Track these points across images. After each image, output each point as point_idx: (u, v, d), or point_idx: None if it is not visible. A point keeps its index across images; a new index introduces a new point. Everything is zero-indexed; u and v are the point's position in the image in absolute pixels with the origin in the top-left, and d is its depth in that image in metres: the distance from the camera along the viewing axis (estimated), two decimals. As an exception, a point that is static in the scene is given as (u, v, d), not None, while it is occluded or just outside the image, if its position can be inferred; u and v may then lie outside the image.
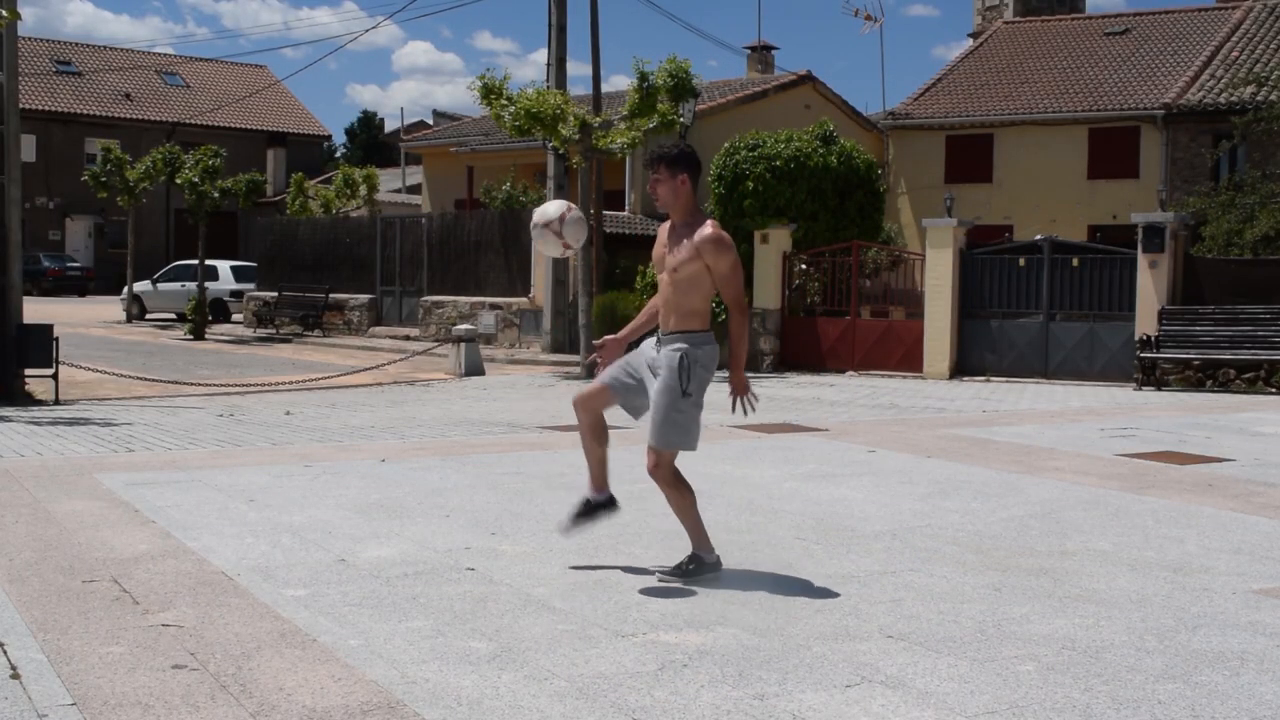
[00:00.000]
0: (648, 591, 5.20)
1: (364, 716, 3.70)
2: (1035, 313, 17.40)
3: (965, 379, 17.37)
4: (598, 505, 5.59)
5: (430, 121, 51.91)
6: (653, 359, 5.33)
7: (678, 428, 5.22)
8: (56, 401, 13.26)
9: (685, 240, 5.27)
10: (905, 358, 18.04)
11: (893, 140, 29.94)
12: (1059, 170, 28.02)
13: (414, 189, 43.45)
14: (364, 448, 9.73)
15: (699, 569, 5.37)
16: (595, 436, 5.51)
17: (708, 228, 5.24)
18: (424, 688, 3.96)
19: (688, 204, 5.34)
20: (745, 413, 5.41)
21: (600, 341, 5.62)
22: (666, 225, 5.45)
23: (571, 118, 17.74)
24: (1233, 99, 25.60)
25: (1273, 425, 11.78)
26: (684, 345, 5.24)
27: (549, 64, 20.92)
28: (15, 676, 4.02)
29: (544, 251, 5.72)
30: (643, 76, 17.71)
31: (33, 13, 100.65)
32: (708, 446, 9.73)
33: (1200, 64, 28.22)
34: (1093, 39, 31.74)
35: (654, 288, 19.58)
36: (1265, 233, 18.63)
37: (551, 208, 5.56)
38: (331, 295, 26.90)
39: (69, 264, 44.91)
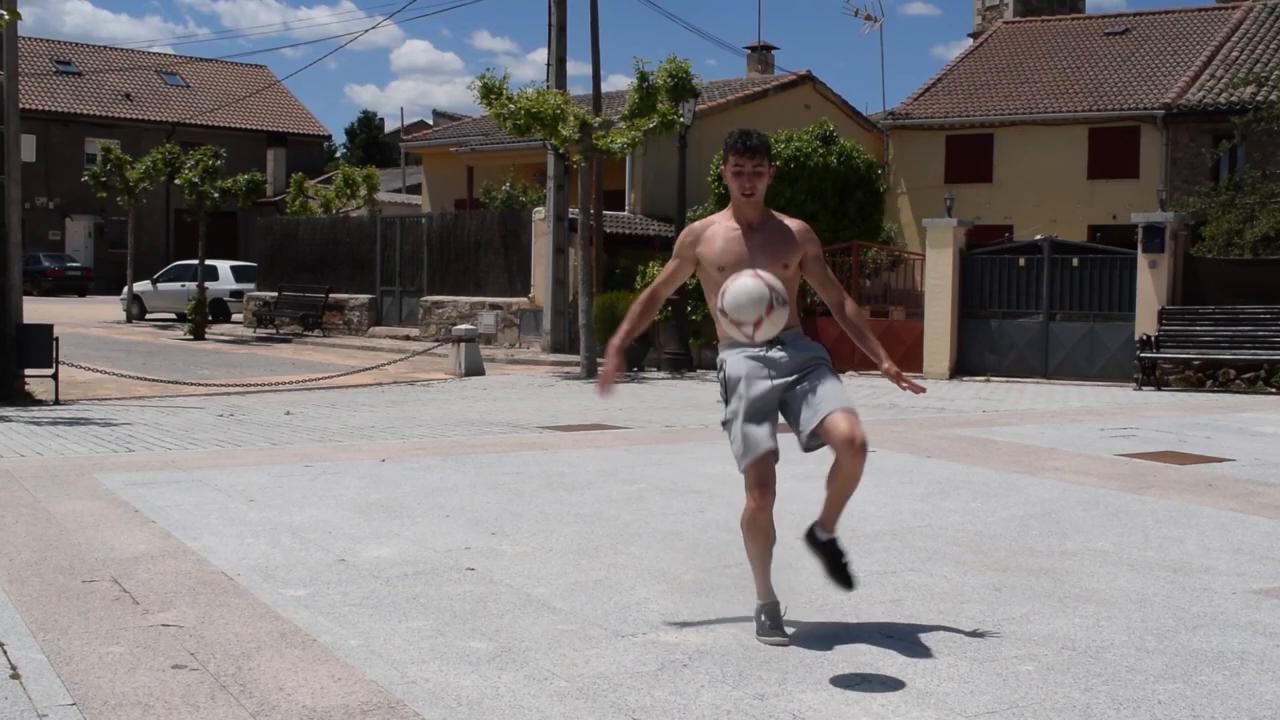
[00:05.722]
0: (648, 591, 5.20)
1: (364, 716, 3.70)
2: (1035, 313, 17.40)
3: (965, 379, 17.37)
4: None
5: (430, 121, 51.94)
6: (779, 360, 4.74)
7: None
8: (56, 401, 13.25)
9: (778, 237, 4.74)
10: (905, 357, 18.03)
11: (893, 140, 29.91)
12: (1059, 170, 28.00)
13: (414, 189, 43.44)
14: (364, 448, 9.73)
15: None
16: (768, 541, 4.77)
17: (794, 221, 4.84)
18: (424, 688, 3.96)
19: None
20: (915, 393, 4.96)
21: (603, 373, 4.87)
22: (715, 226, 4.75)
23: (571, 117, 17.74)
24: (1233, 99, 25.58)
25: (1273, 425, 11.78)
26: (806, 337, 4.93)
27: (549, 64, 20.93)
28: (15, 676, 4.02)
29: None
30: (643, 76, 17.71)
31: (32, 13, 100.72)
32: (706, 447, 9.75)
33: (1200, 64, 28.20)
34: (1093, 39, 31.72)
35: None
36: (1265, 233, 18.61)
37: (754, 292, 4.55)
38: (331, 295, 26.90)
39: (69, 264, 44.86)
